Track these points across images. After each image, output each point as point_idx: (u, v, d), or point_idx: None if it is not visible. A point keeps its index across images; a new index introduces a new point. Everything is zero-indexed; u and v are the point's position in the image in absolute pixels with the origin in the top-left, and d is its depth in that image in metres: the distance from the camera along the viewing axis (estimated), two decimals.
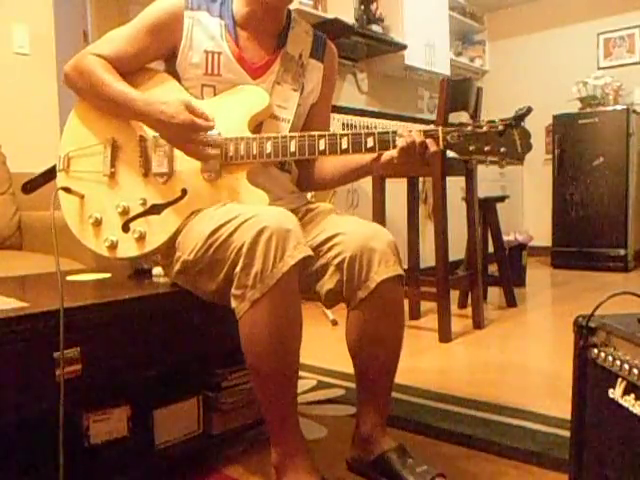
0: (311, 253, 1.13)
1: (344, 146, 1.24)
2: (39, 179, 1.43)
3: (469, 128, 1.19)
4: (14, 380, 1.03)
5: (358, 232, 1.24)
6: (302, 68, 1.42)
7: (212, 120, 1.25)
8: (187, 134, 1.23)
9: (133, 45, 1.33)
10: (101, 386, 1.19)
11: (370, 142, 1.23)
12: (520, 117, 1.16)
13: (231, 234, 1.11)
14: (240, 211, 1.14)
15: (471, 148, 1.19)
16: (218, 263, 1.15)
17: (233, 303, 1.11)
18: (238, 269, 1.09)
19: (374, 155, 1.28)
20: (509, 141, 1.17)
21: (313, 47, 1.45)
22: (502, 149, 1.17)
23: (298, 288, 1.13)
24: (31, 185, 1.44)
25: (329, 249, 1.25)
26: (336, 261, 1.23)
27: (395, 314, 1.27)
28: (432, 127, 1.23)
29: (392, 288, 1.23)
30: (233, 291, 1.11)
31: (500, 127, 1.17)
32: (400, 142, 1.20)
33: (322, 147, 1.25)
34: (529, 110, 1.15)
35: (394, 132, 1.22)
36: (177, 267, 1.26)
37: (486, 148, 1.18)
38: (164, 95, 1.29)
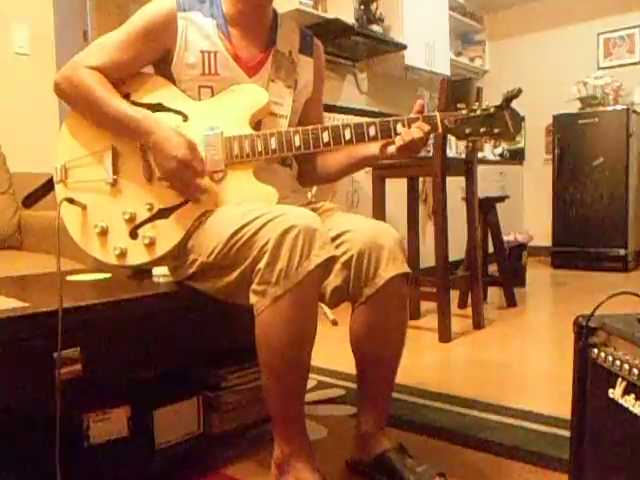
0: (336, 253, 1.14)
1: (347, 137, 1.26)
2: (38, 192, 1.43)
3: (464, 112, 1.25)
4: (14, 380, 1.04)
5: (365, 229, 1.25)
6: (293, 64, 1.43)
7: (205, 171, 1.27)
8: (180, 170, 1.23)
9: (127, 52, 1.31)
10: (101, 386, 1.19)
11: (372, 131, 1.26)
12: (509, 99, 1.22)
13: (255, 232, 1.11)
14: (264, 210, 1.14)
15: (467, 131, 1.25)
16: (237, 261, 1.15)
17: (253, 299, 1.11)
18: (262, 265, 1.08)
19: (378, 145, 1.31)
20: (502, 122, 1.24)
21: (301, 44, 1.46)
22: (496, 130, 1.24)
23: (318, 288, 1.14)
24: (31, 199, 1.44)
25: (337, 246, 1.24)
26: (344, 258, 1.23)
27: (400, 312, 1.28)
28: (431, 113, 1.27)
29: (398, 286, 1.24)
30: (254, 287, 1.11)
31: (492, 110, 1.24)
32: (398, 140, 1.24)
33: (326, 139, 1.26)
34: (519, 92, 1.21)
35: (394, 120, 1.25)
36: (193, 269, 1.25)
37: (482, 130, 1.25)
38: (163, 102, 1.30)
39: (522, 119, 1.27)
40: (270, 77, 1.37)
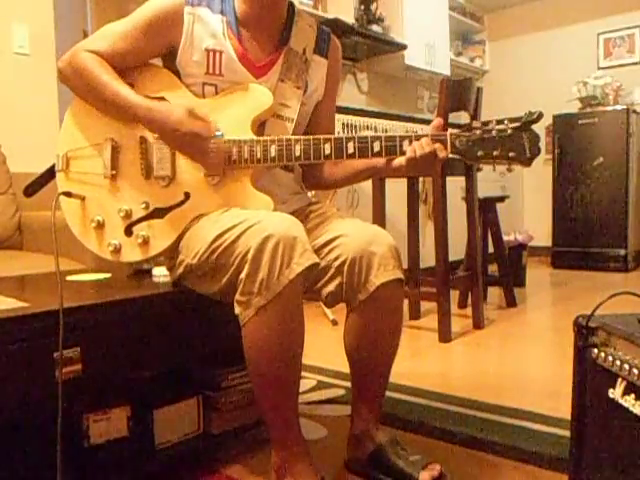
0: (317, 260, 1.13)
1: (350, 151, 1.22)
2: (40, 181, 1.42)
3: (478, 132, 1.16)
4: (14, 380, 1.03)
5: (359, 235, 1.24)
6: (306, 64, 1.37)
7: (212, 123, 1.25)
8: (193, 143, 1.23)
9: (130, 42, 1.29)
10: (101, 386, 1.19)
11: (377, 147, 1.21)
12: (530, 122, 1.13)
13: (235, 240, 1.10)
14: (245, 216, 1.13)
15: (479, 153, 1.17)
16: (222, 268, 1.14)
17: (237, 309, 1.10)
18: (243, 275, 1.08)
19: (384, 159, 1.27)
20: (518, 145, 1.14)
21: (317, 42, 1.41)
22: (511, 154, 1.14)
23: (302, 295, 1.13)
24: (32, 188, 1.43)
25: (330, 251, 1.24)
26: (336, 263, 1.23)
27: (393, 317, 1.28)
28: (441, 132, 1.20)
29: (391, 291, 1.23)
30: (237, 297, 1.10)
31: (509, 131, 1.15)
32: (408, 152, 1.19)
33: (327, 151, 1.23)
34: (540, 116, 1.12)
35: (401, 136, 1.21)
36: (180, 270, 1.26)
37: (495, 153, 1.15)
38: (166, 96, 1.28)
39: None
40: (280, 77, 1.33)
